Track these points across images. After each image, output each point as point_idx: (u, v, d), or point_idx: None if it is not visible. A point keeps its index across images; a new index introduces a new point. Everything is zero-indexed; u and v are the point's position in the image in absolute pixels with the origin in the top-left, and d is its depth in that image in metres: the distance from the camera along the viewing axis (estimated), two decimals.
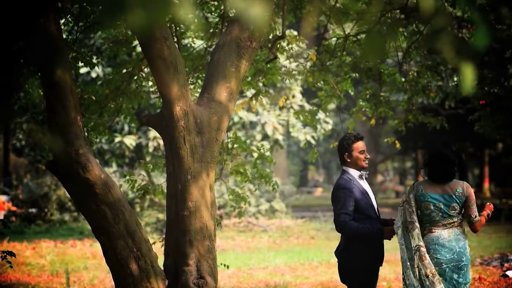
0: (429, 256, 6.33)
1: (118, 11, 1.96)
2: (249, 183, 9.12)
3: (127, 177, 8.55)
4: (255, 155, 9.32)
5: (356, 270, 6.49)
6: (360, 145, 6.62)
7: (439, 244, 6.35)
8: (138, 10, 1.94)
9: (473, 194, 6.39)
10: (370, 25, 6.62)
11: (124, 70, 9.12)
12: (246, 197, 9.14)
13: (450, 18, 8.53)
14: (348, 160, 6.62)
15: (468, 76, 2.27)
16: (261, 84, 9.85)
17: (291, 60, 10.13)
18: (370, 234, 6.38)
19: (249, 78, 9.48)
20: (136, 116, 9.58)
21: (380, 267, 6.77)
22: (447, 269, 6.32)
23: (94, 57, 8.78)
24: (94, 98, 8.54)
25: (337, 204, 6.45)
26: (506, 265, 13.92)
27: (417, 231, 6.38)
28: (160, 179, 19.59)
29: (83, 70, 16.90)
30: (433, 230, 6.38)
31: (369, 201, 6.53)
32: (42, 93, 7.30)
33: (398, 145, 10.02)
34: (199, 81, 9.28)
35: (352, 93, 10.01)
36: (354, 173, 6.60)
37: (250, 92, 11.14)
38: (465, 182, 6.43)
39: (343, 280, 6.65)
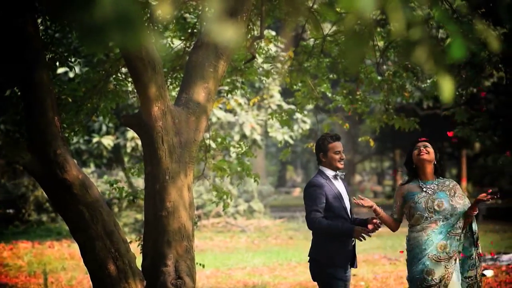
0: None
1: (95, 37, 1.97)
2: (229, 179, 9.23)
3: (114, 185, 8.58)
4: (234, 151, 9.39)
5: (325, 268, 6.45)
6: (336, 145, 6.61)
7: None
8: (115, 36, 1.95)
9: (396, 192, 6.66)
10: (348, 26, 6.64)
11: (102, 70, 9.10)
12: (228, 192, 9.26)
13: (427, 19, 8.57)
14: (324, 160, 6.63)
15: (447, 86, 2.28)
16: (238, 84, 9.86)
17: (269, 64, 10.12)
18: (340, 232, 6.38)
19: (228, 80, 9.49)
20: (115, 116, 9.55)
21: (356, 268, 6.81)
22: None
23: (72, 57, 8.73)
24: (70, 99, 8.50)
25: (309, 201, 6.47)
26: (483, 264, 14.02)
27: None
28: (139, 181, 19.54)
29: (60, 70, 16.79)
30: None
31: (341, 202, 6.51)
32: (19, 93, 7.26)
33: (372, 144, 10.09)
34: (177, 81, 9.27)
35: (330, 95, 10.04)
36: (329, 173, 6.60)
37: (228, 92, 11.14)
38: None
39: (314, 278, 6.66)
